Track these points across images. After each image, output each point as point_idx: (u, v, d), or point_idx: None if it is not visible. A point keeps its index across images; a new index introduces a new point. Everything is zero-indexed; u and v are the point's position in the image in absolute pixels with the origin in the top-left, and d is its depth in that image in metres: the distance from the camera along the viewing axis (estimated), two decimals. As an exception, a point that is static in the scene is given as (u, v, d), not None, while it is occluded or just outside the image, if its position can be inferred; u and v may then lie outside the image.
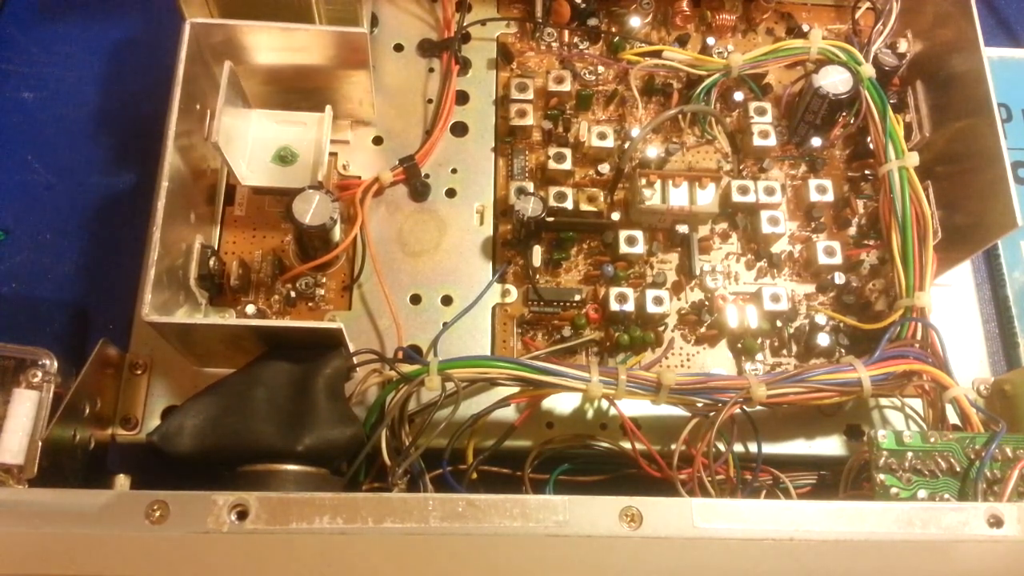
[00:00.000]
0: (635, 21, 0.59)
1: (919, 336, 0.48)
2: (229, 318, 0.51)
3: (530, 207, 0.52)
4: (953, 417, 0.47)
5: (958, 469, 0.43)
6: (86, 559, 0.34)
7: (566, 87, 0.57)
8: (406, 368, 0.47)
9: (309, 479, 0.43)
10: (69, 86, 0.62)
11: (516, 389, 0.47)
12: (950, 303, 0.56)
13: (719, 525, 0.35)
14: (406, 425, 0.47)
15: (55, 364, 0.42)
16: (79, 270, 0.56)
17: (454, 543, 0.35)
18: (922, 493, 0.42)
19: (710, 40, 0.59)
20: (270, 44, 0.51)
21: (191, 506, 0.35)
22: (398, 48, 0.60)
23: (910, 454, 0.43)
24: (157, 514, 0.35)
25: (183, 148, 0.48)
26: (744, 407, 0.47)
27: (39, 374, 0.42)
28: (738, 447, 0.48)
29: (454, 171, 0.57)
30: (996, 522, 0.35)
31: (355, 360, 0.47)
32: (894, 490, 0.42)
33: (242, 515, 0.35)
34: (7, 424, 0.41)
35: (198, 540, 0.35)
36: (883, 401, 0.51)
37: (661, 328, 0.53)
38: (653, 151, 0.55)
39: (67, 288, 0.56)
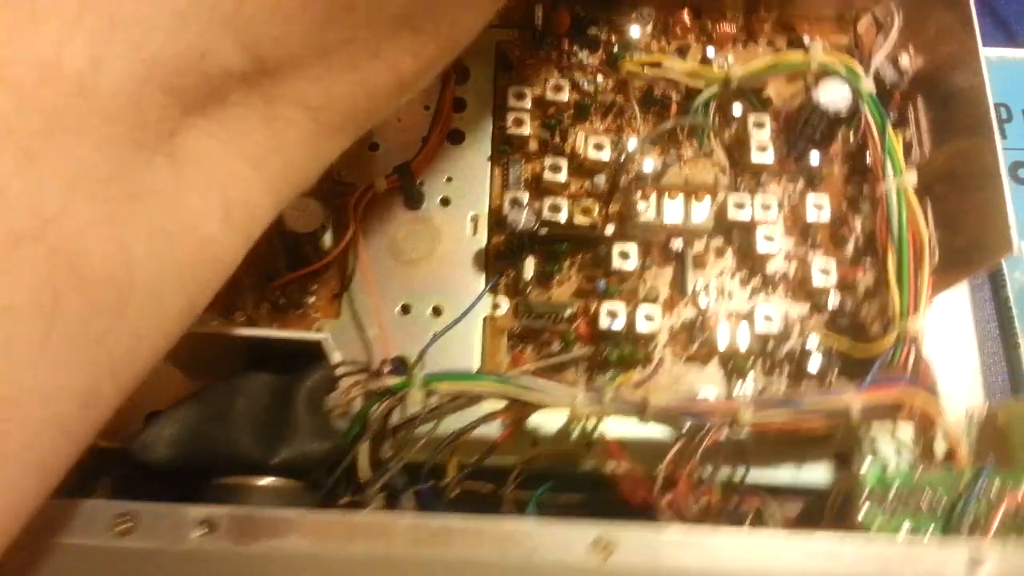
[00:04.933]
0: (635, 31, 0.59)
1: (911, 363, 0.47)
2: (211, 325, 0.51)
3: (522, 219, 0.51)
4: (944, 446, 0.46)
5: (944, 504, 0.42)
6: (47, 569, 0.34)
7: (564, 96, 0.57)
8: (390, 381, 0.46)
9: (284, 492, 0.43)
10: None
11: (502, 405, 0.47)
12: (949, 303, 0.55)
13: (692, 557, 0.35)
14: (388, 439, 0.47)
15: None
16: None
17: (421, 569, 0.35)
18: (906, 526, 0.41)
19: (710, 51, 0.58)
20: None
21: (160, 519, 0.35)
22: (396, 54, 0.60)
23: (895, 487, 0.42)
24: (125, 526, 0.35)
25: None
26: (731, 430, 0.46)
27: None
28: (725, 471, 0.48)
29: (449, 179, 0.56)
30: (976, 562, 0.34)
31: (338, 371, 0.47)
32: (877, 523, 0.42)
33: (211, 530, 0.35)
34: None
35: (164, 554, 0.35)
36: (874, 428, 0.50)
37: (651, 346, 0.53)
38: (649, 164, 0.54)
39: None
